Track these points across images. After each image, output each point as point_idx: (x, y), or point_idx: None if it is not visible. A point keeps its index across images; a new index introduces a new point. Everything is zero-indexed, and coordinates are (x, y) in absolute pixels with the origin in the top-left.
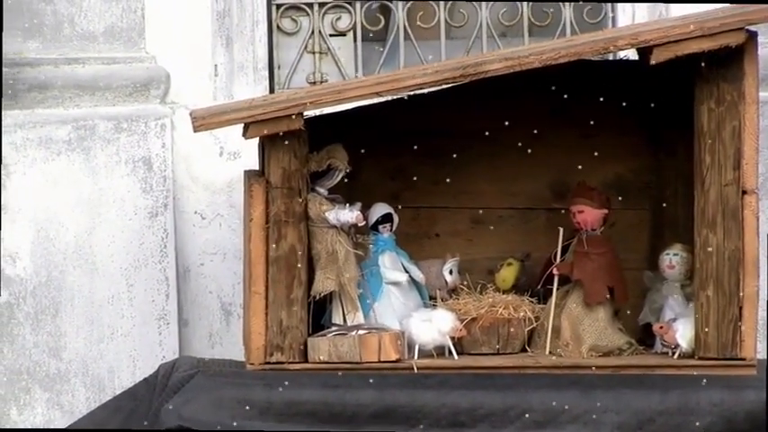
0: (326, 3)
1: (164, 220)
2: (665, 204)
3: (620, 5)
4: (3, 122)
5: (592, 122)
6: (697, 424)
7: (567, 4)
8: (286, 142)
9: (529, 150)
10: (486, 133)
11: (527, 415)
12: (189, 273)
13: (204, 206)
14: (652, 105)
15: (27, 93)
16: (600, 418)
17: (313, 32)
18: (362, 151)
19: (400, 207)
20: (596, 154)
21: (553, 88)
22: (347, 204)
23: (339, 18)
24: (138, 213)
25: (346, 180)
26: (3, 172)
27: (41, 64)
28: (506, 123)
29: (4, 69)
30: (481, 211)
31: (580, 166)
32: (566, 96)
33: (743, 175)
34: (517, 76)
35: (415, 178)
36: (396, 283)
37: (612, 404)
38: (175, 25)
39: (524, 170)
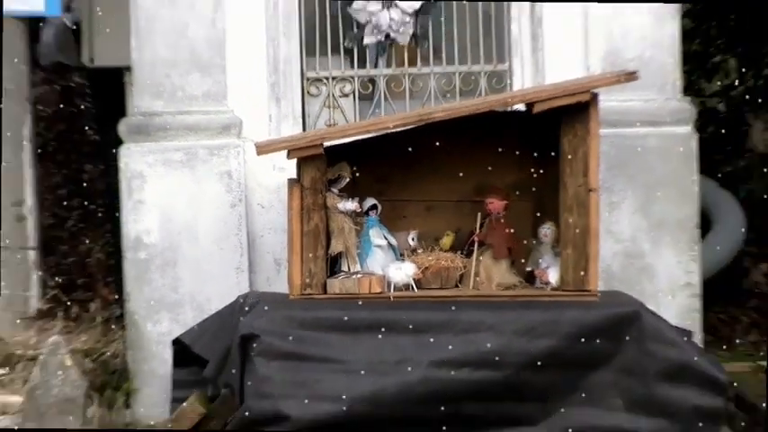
0: (336, 77)
1: (240, 209)
2: (542, 197)
3: (515, 80)
4: (139, 150)
5: (499, 150)
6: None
7: (482, 76)
8: (313, 161)
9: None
10: (435, 154)
11: (459, 326)
12: (255, 241)
13: (264, 200)
14: (533, 140)
15: (156, 132)
16: (504, 327)
17: (329, 95)
18: (356, 171)
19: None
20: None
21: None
22: (350, 198)
23: (345, 86)
24: (223, 205)
25: (350, 183)
26: (144, 182)
27: (164, 114)
28: (440, 146)
29: (139, 117)
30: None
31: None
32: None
33: (589, 180)
34: (455, 120)
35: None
36: (380, 246)
37: (511, 318)
38: (245, 90)
39: (458, 176)
